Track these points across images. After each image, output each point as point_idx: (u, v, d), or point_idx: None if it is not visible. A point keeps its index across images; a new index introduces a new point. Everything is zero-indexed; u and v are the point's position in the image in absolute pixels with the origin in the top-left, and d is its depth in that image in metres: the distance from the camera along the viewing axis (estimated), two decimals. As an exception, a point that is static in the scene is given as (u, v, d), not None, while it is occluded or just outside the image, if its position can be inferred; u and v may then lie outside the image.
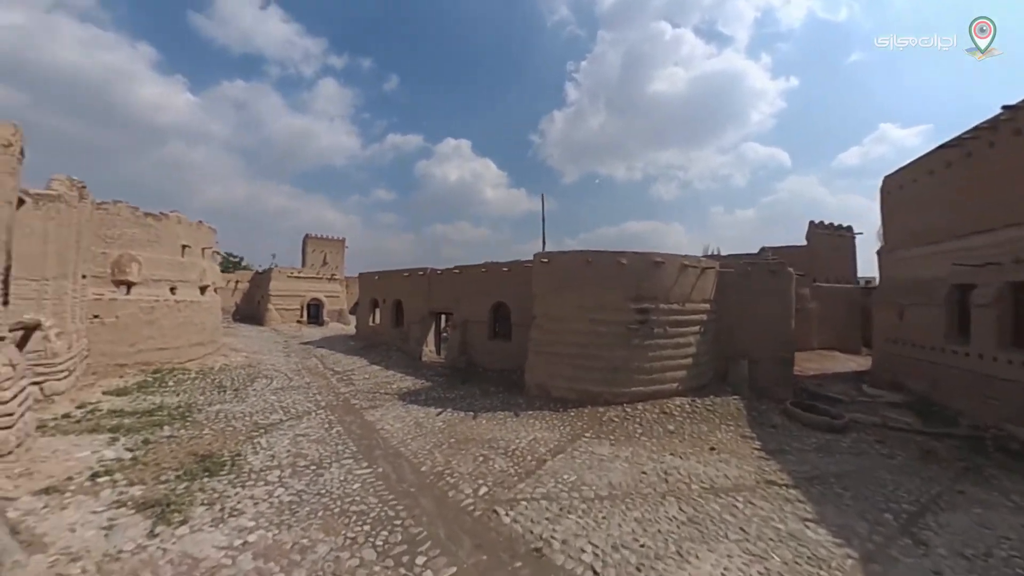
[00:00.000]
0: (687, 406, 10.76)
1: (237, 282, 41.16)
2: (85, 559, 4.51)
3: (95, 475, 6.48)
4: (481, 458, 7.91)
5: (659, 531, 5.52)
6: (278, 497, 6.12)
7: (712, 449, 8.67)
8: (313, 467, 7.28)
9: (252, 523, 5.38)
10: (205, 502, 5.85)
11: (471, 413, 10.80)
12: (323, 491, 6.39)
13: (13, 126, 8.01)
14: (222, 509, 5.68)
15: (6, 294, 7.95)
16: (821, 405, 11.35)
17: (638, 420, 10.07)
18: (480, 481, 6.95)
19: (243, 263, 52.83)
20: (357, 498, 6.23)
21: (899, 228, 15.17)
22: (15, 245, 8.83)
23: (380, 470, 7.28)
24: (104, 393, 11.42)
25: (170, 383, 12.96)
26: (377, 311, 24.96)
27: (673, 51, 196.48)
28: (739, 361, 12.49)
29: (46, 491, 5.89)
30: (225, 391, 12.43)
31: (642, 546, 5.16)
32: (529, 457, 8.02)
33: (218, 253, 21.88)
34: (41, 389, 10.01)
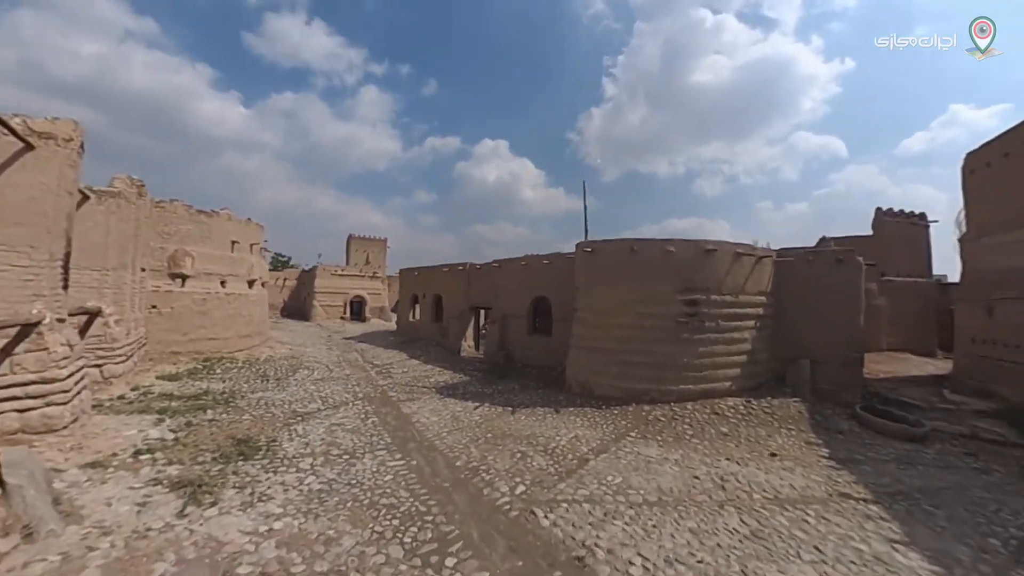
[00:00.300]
0: (742, 407, 9.89)
1: (285, 280, 42.92)
2: (115, 534, 4.49)
3: (137, 452, 6.60)
4: (519, 455, 7.49)
5: (718, 545, 4.87)
6: (308, 485, 5.97)
7: (773, 455, 7.83)
8: (346, 457, 7.11)
9: (280, 510, 5.22)
10: (237, 485, 5.77)
11: (509, 408, 10.42)
12: (354, 481, 6.18)
13: (74, 123, 8.36)
14: (252, 493, 5.57)
15: (66, 279, 8.32)
16: (895, 411, 10.15)
17: (687, 420, 9.33)
18: (517, 479, 6.52)
19: (291, 262, 55.06)
20: (388, 490, 5.96)
21: (986, 211, 13.38)
22: (79, 237, 9.30)
23: (413, 463, 7.01)
24: (157, 378, 11.93)
25: (218, 371, 13.40)
26: (417, 307, 25.15)
27: (715, 39, 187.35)
28: (799, 361, 11.41)
29: (91, 465, 6.03)
30: (268, 380, 12.69)
31: (699, 562, 4.54)
32: (570, 456, 7.53)
33: (267, 251, 22.67)
34: (100, 371, 10.54)
